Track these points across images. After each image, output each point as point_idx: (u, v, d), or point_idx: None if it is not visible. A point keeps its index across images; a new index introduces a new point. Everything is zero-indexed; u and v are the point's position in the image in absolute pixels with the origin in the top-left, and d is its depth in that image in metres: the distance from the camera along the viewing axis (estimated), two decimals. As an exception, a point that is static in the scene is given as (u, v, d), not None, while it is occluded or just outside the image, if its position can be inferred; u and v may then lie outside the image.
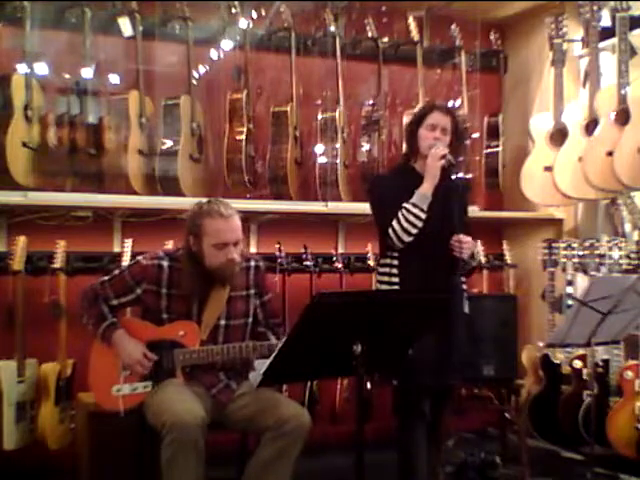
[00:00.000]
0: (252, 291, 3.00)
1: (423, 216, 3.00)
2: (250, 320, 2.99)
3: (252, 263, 3.02)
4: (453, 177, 3.17)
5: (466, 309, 3.17)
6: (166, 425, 2.57)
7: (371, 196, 3.24)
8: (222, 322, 2.91)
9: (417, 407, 3.08)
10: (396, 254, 3.11)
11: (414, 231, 3.01)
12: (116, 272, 2.94)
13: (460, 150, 3.29)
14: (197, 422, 2.58)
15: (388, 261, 3.13)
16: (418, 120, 3.16)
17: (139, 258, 2.94)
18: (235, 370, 2.94)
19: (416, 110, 3.47)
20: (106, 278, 2.93)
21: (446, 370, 3.06)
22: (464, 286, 3.20)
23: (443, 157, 3.02)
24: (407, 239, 3.02)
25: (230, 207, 2.87)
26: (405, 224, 3.00)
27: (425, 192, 3.02)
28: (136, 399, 2.82)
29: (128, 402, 2.82)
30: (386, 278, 3.13)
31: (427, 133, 3.10)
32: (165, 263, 2.87)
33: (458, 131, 3.18)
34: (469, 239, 3.05)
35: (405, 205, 3.01)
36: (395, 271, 3.10)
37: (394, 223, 3.01)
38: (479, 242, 3.14)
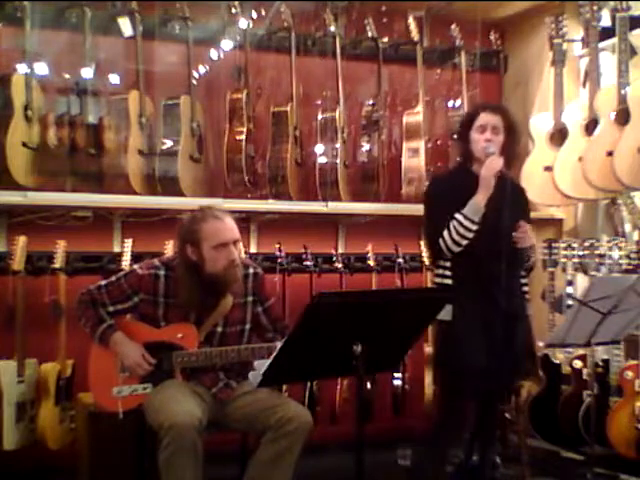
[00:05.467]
0: (250, 298, 2.99)
1: (474, 228, 2.97)
2: (247, 327, 2.99)
3: (250, 270, 3.01)
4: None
5: (530, 311, 3.20)
6: (163, 427, 2.58)
7: (426, 198, 3.22)
8: (219, 329, 2.92)
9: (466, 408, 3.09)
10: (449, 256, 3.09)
11: (464, 242, 2.98)
12: (112, 279, 2.93)
13: (516, 148, 3.23)
14: (194, 424, 2.59)
15: (441, 262, 3.12)
16: (467, 123, 3.13)
17: (135, 267, 2.94)
18: (235, 370, 2.94)
19: (464, 113, 3.43)
20: (102, 283, 2.92)
21: (507, 373, 3.08)
22: (526, 288, 3.19)
23: (498, 169, 2.97)
24: (456, 250, 3.00)
25: (222, 211, 2.88)
26: (456, 236, 2.98)
27: (478, 203, 2.98)
28: (135, 400, 2.82)
29: (127, 404, 2.82)
30: (438, 280, 3.13)
31: (478, 135, 3.07)
32: (162, 272, 2.87)
33: (511, 128, 3.12)
34: (529, 227, 3.04)
35: (457, 216, 2.97)
36: (448, 273, 3.09)
37: (445, 233, 2.99)
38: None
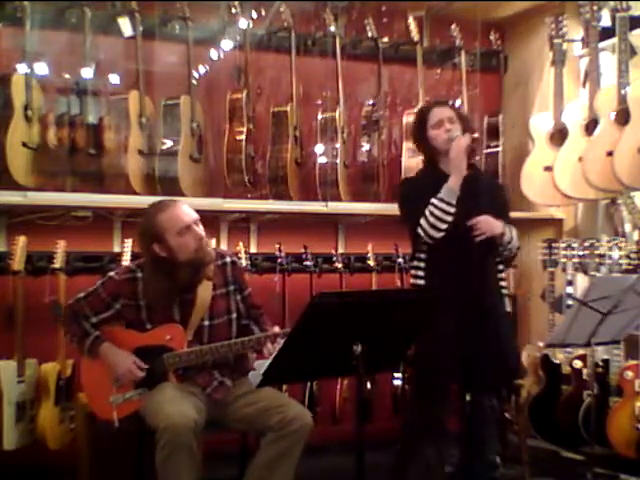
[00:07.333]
0: (232, 287, 2.99)
1: (452, 210, 2.94)
2: (234, 316, 2.98)
3: (228, 259, 3.01)
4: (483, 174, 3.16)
5: (508, 307, 3.16)
6: (159, 429, 2.59)
7: (400, 200, 3.20)
8: (206, 323, 2.91)
9: (438, 405, 3.08)
10: (423, 255, 3.08)
11: (443, 226, 2.95)
12: (90, 289, 2.92)
13: (473, 133, 3.20)
14: (189, 424, 2.59)
15: (415, 263, 3.12)
16: (422, 123, 3.12)
17: (111, 274, 2.94)
18: (229, 367, 2.94)
19: (413, 117, 3.40)
20: (81, 295, 2.92)
21: (488, 370, 3.03)
22: (503, 283, 3.16)
23: (466, 147, 2.95)
24: (437, 235, 2.96)
25: (172, 199, 2.92)
26: (432, 219, 2.95)
27: (452, 186, 2.96)
28: (132, 407, 2.82)
29: (124, 410, 2.82)
30: (412, 280, 3.13)
31: (437, 131, 3.06)
32: (138, 275, 2.88)
33: (463, 119, 3.13)
34: (483, 217, 2.98)
35: (432, 200, 2.96)
36: (421, 273, 3.08)
37: (422, 220, 2.97)
38: (512, 228, 3.11)
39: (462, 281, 2.95)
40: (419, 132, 3.15)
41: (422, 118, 3.13)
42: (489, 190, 3.11)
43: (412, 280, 3.16)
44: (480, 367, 3.01)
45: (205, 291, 2.90)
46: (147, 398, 2.80)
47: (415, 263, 3.13)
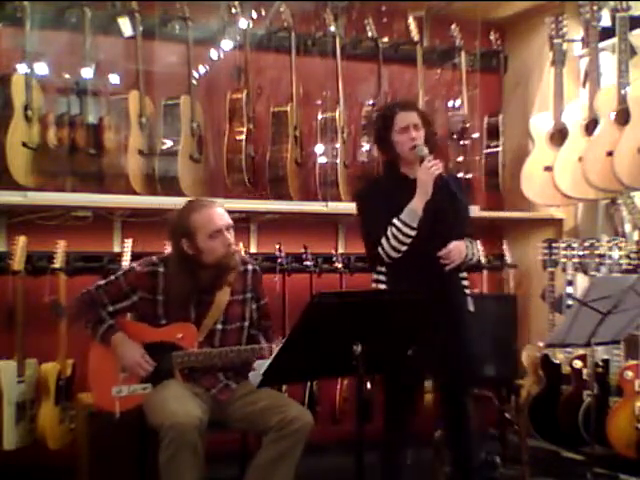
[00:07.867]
0: (249, 295, 3.00)
1: (412, 233, 2.89)
2: (247, 324, 2.99)
3: (250, 267, 3.01)
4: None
5: (470, 307, 3.11)
6: (164, 426, 2.58)
7: (360, 204, 3.13)
8: (219, 326, 2.91)
9: (408, 405, 3.07)
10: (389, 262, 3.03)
11: (403, 248, 2.91)
12: (112, 278, 2.93)
13: (436, 139, 3.14)
14: (194, 423, 2.59)
15: (377, 267, 3.07)
16: (386, 126, 3.02)
17: (134, 265, 2.94)
18: (234, 370, 2.94)
19: (377, 115, 3.28)
20: (101, 283, 2.92)
21: (453, 370, 3.01)
22: (465, 282, 3.12)
23: (438, 172, 2.89)
24: (396, 255, 2.93)
25: (209, 200, 2.90)
26: (394, 242, 2.91)
27: (415, 209, 2.90)
28: (134, 401, 2.82)
29: (126, 404, 2.82)
30: (373, 284, 3.09)
31: (402, 137, 2.98)
32: (160, 270, 2.87)
33: (427, 121, 3.05)
34: (454, 245, 2.95)
35: (394, 222, 2.90)
36: (383, 278, 3.04)
37: (383, 241, 2.92)
38: (475, 241, 3.09)
39: (425, 283, 2.84)
40: (382, 134, 3.06)
41: (388, 119, 3.03)
42: (452, 193, 3.00)
43: (373, 284, 3.09)
44: (449, 368, 2.99)
45: (223, 295, 2.90)
46: (151, 394, 2.80)
47: (377, 267, 3.07)
